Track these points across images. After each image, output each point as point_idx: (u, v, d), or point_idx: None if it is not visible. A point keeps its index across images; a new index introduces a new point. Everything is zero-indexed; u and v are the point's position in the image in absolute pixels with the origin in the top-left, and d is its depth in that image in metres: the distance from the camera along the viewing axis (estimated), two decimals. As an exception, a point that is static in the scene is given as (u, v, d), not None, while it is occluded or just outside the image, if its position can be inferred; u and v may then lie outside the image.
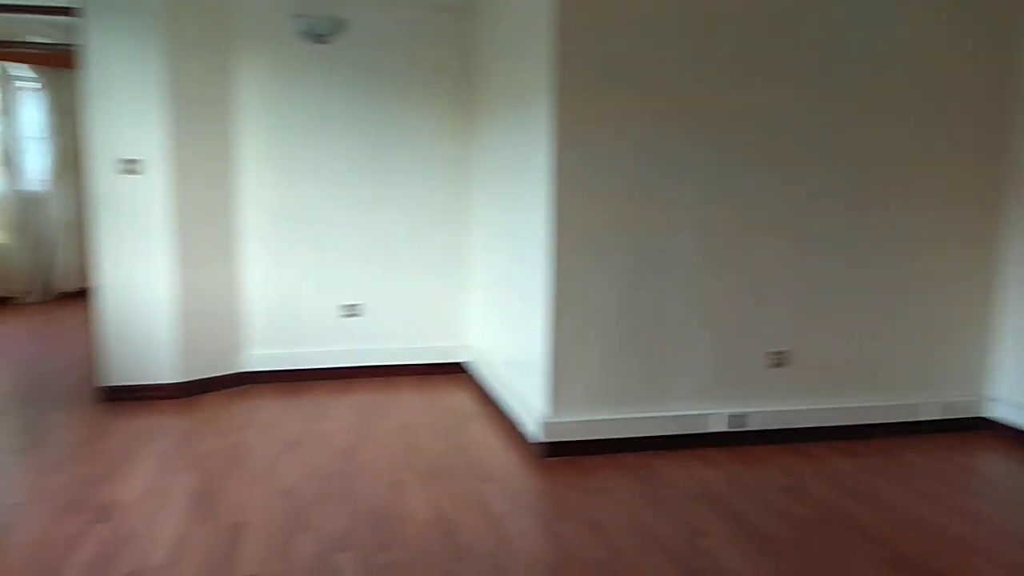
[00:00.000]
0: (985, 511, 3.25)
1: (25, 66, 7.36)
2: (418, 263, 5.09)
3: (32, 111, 7.59)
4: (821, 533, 2.99)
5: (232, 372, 4.79)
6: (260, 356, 4.88)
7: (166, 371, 4.50)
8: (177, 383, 4.51)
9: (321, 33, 4.80)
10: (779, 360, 4.02)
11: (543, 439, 3.67)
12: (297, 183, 4.86)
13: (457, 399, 4.63)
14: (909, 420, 4.26)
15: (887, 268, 4.14)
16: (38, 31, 6.42)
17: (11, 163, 7.52)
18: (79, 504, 3.07)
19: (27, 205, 7.55)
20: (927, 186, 4.13)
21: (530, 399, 3.93)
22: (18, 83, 7.51)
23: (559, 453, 3.70)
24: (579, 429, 3.71)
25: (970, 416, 4.39)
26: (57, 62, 7.06)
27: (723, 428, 3.93)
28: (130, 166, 4.36)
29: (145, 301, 4.44)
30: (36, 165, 7.65)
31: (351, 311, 5.01)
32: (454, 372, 5.16)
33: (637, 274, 3.74)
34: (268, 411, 4.34)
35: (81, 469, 3.47)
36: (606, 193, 3.65)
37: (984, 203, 4.25)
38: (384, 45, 4.90)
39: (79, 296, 7.49)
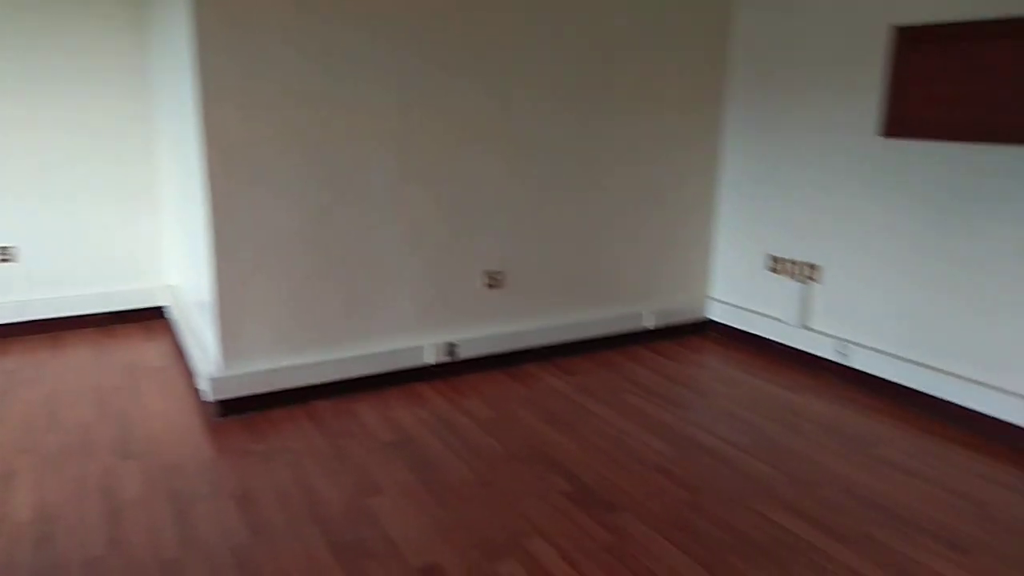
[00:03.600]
0: (685, 425, 3.18)
1: None
2: (90, 193, 4.19)
3: None
4: (509, 471, 2.74)
5: None
6: None
7: None
8: None
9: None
10: (495, 281, 3.72)
11: (214, 397, 3.13)
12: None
13: (141, 353, 3.93)
14: (635, 330, 4.18)
15: (606, 176, 3.92)
16: None
17: None
18: None
19: None
20: (649, 89, 3.91)
21: (208, 349, 3.35)
22: None
23: (237, 411, 3.18)
24: (261, 381, 3.20)
25: (696, 320, 4.41)
26: None
27: (437, 359, 3.59)
28: None
29: None
30: None
31: (4, 256, 4.08)
32: (151, 319, 4.43)
33: (324, 195, 3.20)
34: None
35: None
36: (272, 102, 3.03)
37: (705, 105, 4.13)
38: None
39: None
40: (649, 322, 4.21)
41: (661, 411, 3.31)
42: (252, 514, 2.44)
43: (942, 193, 3.22)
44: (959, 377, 3.20)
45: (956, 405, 3.21)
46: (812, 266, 3.83)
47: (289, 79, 3.05)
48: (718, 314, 4.39)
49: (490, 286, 3.71)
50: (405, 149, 3.34)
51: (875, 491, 2.64)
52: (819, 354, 3.80)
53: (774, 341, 4.05)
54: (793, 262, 3.93)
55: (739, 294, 4.29)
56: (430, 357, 3.57)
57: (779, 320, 4.01)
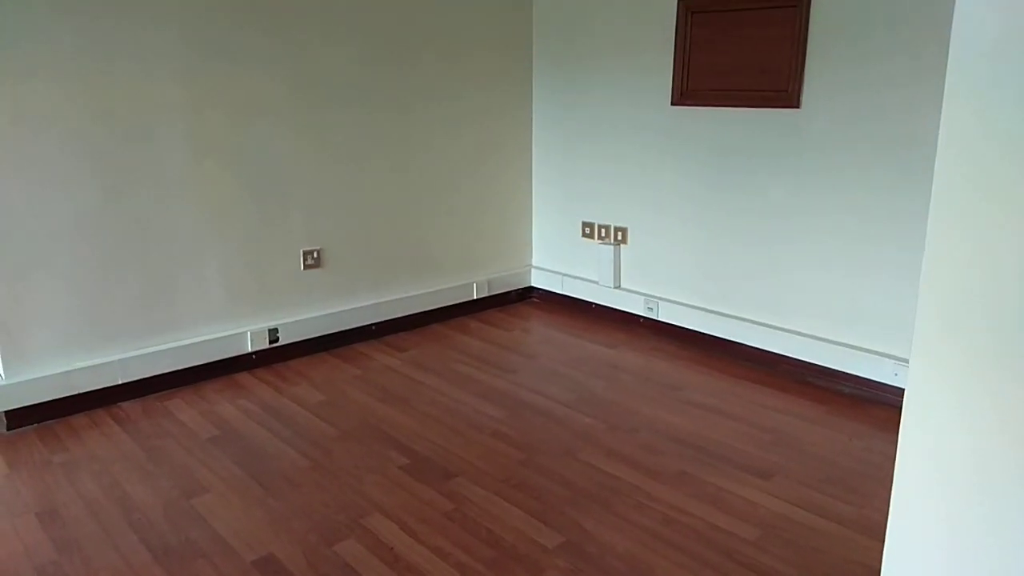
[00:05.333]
0: (515, 389, 3.28)
1: None
2: None
3: None
4: (344, 452, 2.70)
5: None
6: None
7: None
8: None
9: None
10: (313, 260, 3.60)
11: (-2, 408, 2.80)
12: None
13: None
14: (462, 301, 4.23)
15: (423, 150, 3.90)
16: None
17: None
18: None
19: None
20: (459, 62, 3.92)
21: (-15, 357, 2.98)
22: None
23: (31, 420, 2.87)
24: (54, 385, 2.89)
25: (520, 287, 4.54)
26: None
27: (258, 346, 3.43)
28: None
29: None
30: None
31: None
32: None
33: (109, 178, 2.92)
34: None
35: None
36: (24, 73, 2.72)
37: (517, 78, 4.21)
38: None
39: None
40: (475, 293, 4.28)
41: (492, 377, 3.39)
42: (57, 529, 2.22)
43: (722, 155, 3.53)
44: (749, 321, 3.56)
45: (748, 346, 3.56)
46: (620, 229, 4.07)
47: (42, 46, 2.74)
48: (540, 281, 4.55)
49: (309, 266, 3.59)
50: (195, 124, 3.13)
51: (686, 431, 2.89)
52: (631, 311, 4.06)
53: (591, 302, 4.27)
54: (604, 227, 4.15)
55: (558, 260, 4.47)
56: (250, 344, 3.40)
57: (595, 282, 4.23)
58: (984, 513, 1.22)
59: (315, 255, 3.59)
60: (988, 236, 1.14)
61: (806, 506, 2.38)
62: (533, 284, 4.58)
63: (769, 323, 3.50)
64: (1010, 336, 1.13)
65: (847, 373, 3.23)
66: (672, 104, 3.68)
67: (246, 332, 3.38)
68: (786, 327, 3.45)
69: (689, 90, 3.60)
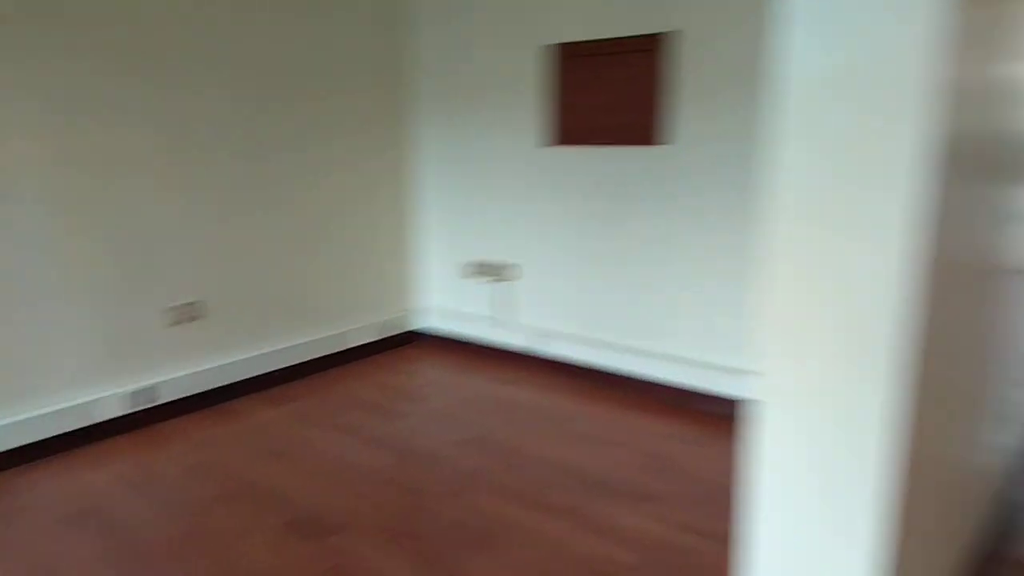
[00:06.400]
0: (404, 434, 3.22)
1: None
2: None
3: None
4: (222, 516, 2.55)
5: None
6: None
7: None
8: None
9: None
10: (185, 315, 3.44)
11: None
12: None
13: None
14: (344, 349, 4.14)
15: (299, 201, 3.83)
16: None
17: None
18: None
19: None
20: (332, 109, 3.89)
21: None
22: None
23: None
24: None
25: (409, 331, 4.49)
26: None
27: (125, 410, 3.22)
28: None
29: None
30: None
31: None
32: None
33: (-52, 239, 2.71)
34: None
35: None
36: None
37: (392, 128, 4.22)
38: None
39: None
40: (362, 338, 4.20)
41: (379, 424, 3.31)
42: None
43: (597, 191, 3.65)
44: (630, 350, 3.65)
45: (632, 375, 3.65)
46: (509, 267, 4.11)
47: None
48: (428, 322, 4.52)
49: (183, 321, 3.42)
50: (52, 181, 2.95)
51: (575, 463, 2.91)
52: (519, 346, 4.09)
53: (480, 341, 4.28)
54: (492, 265, 4.18)
55: (446, 300, 4.46)
56: (119, 408, 3.20)
57: (483, 320, 4.25)
58: (826, 518, 1.28)
59: (188, 310, 3.43)
60: (808, 259, 1.21)
61: (686, 527, 2.44)
62: (421, 326, 4.55)
63: (649, 351, 3.61)
64: (837, 346, 1.21)
65: (721, 395, 3.36)
66: (549, 144, 3.78)
67: (112, 395, 3.18)
68: (664, 353, 3.56)
69: (564, 129, 3.71)
